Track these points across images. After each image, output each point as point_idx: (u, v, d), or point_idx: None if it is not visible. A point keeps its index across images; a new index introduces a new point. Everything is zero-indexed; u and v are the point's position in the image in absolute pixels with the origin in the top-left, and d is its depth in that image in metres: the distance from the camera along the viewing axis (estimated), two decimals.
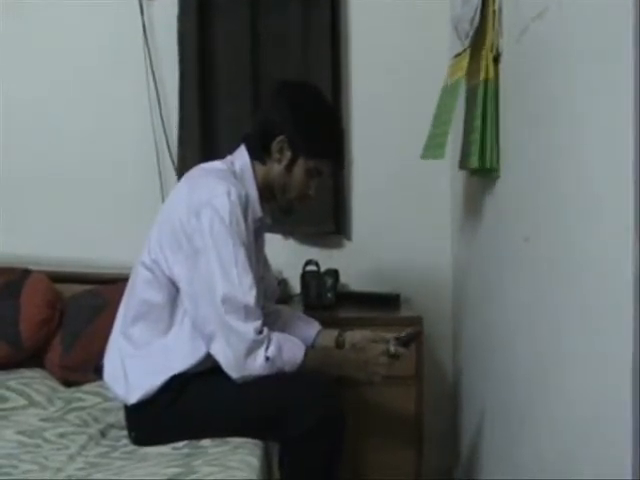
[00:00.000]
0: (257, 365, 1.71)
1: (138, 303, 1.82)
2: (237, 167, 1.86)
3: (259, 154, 1.87)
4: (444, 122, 2.02)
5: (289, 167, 1.85)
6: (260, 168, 1.87)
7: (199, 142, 2.57)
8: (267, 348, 1.71)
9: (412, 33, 2.66)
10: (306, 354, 1.78)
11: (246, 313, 1.70)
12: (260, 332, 1.71)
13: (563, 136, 1.48)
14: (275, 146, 1.83)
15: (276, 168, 1.85)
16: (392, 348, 1.85)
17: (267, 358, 1.71)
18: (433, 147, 2.12)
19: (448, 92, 2.09)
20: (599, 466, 1.30)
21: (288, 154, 1.84)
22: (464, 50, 2.01)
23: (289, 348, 1.76)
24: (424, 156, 2.21)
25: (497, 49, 1.94)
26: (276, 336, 1.74)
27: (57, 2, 2.59)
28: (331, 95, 2.52)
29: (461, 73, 1.97)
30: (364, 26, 2.67)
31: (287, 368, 1.75)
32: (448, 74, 2.20)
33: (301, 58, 2.57)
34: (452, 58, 2.18)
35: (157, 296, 1.79)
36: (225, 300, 1.69)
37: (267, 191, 1.88)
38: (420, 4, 2.64)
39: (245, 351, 1.70)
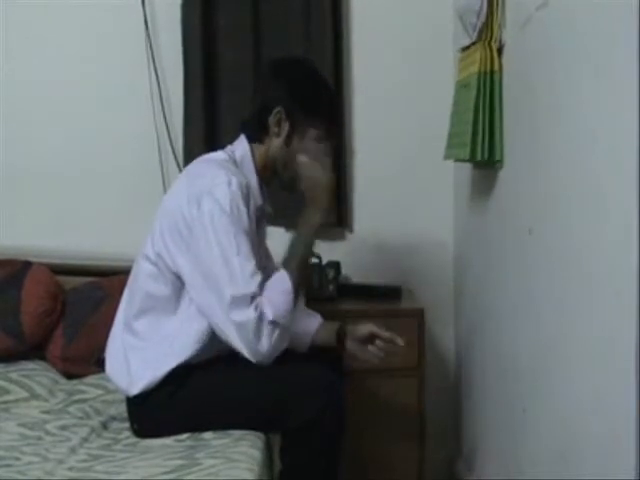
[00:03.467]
0: (268, 340, 1.68)
1: (142, 297, 1.81)
2: (237, 155, 1.86)
3: (257, 134, 1.86)
4: (464, 121, 2.00)
5: (288, 139, 1.84)
6: (259, 148, 1.87)
7: (203, 134, 2.56)
8: (265, 315, 1.68)
9: (414, 23, 2.65)
10: (287, 272, 1.74)
11: (250, 300, 1.68)
12: (255, 308, 1.67)
13: (567, 127, 1.48)
14: (272, 120, 1.83)
15: (275, 143, 1.85)
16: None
17: (272, 322, 1.68)
18: (456, 146, 2.10)
19: (463, 88, 2.07)
20: (602, 452, 1.30)
21: (286, 125, 1.83)
22: (473, 43, 1.99)
23: (275, 293, 1.71)
24: (447, 156, 2.19)
25: (500, 40, 1.93)
26: (262, 298, 1.69)
27: None
28: (333, 84, 2.51)
29: (474, 68, 1.95)
30: (366, 15, 2.66)
31: (287, 307, 1.71)
32: (459, 68, 2.18)
33: (303, 47, 2.57)
34: (460, 51, 2.16)
35: (162, 289, 1.78)
36: (229, 298, 1.68)
37: (268, 171, 1.87)
38: None
39: (253, 336, 1.67)
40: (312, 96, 1.87)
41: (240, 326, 1.67)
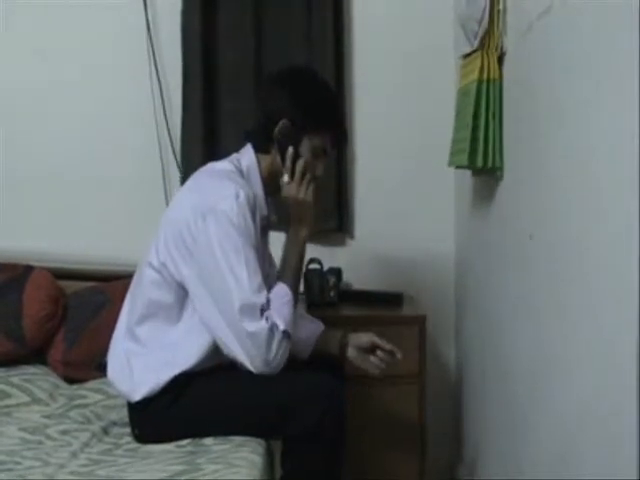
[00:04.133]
0: (278, 350, 1.70)
1: (146, 304, 1.81)
2: (243, 165, 1.86)
3: (263, 145, 1.86)
4: (464, 127, 2.01)
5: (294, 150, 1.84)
6: (265, 159, 1.87)
7: (202, 138, 2.57)
8: (277, 326, 1.70)
9: (415, 30, 2.65)
10: (286, 284, 1.78)
11: (260, 311, 1.70)
12: (267, 319, 1.70)
13: (567, 134, 1.48)
14: (278, 131, 1.82)
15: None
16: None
17: (284, 332, 1.71)
18: (457, 153, 2.11)
19: (464, 95, 2.08)
20: (603, 458, 1.30)
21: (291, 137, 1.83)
22: (474, 51, 2.00)
23: (280, 304, 1.74)
24: (450, 163, 2.20)
25: (501, 48, 1.94)
26: (271, 311, 1.72)
27: None
28: (334, 90, 2.51)
29: (473, 75, 1.96)
30: (367, 23, 2.67)
31: (292, 317, 1.75)
32: (460, 75, 2.18)
33: (304, 54, 2.58)
34: (461, 58, 2.16)
35: (166, 297, 1.79)
36: (238, 305, 1.68)
37: (274, 182, 1.87)
38: (423, 1, 2.64)
39: (265, 346, 1.69)
40: (316, 108, 1.85)
41: (252, 336, 1.68)
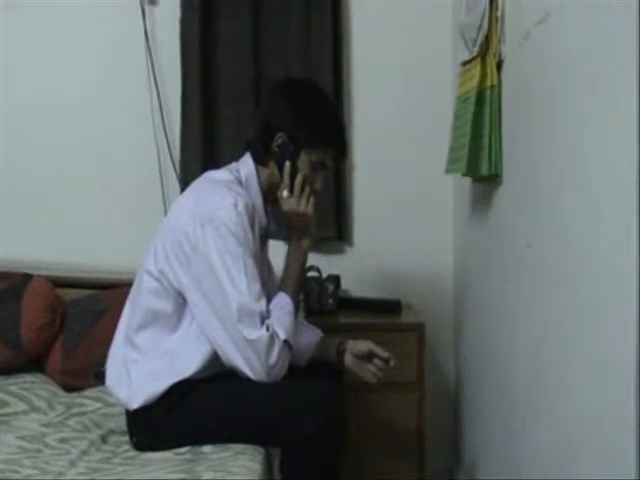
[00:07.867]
0: (278, 359, 1.70)
1: (145, 312, 1.81)
2: (242, 175, 1.86)
3: (262, 157, 1.86)
4: (463, 134, 2.01)
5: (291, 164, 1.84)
6: (264, 171, 1.87)
7: (201, 146, 2.57)
8: (278, 335, 1.71)
9: (414, 38, 2.66)
10: (287, 294, 1.80)
11: (260, 319, 1.70)
12: (267, 328, 1.71)
13: (565, 142, 1.49)
14: (275, 146, 1.82)
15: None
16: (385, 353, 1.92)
17: (285, 341, 1.71)
18: (455, 161, 2.10)
19: (463, 103, 2.08)
20: (602, 466, 1.30)
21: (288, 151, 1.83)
22: (473, 58, 2.01)
23: (282, 314, 1.75)
24: (448, 170, 2.20)
25: (499, 55, 1.94)
26: (271, 320, 1.73)
27: (58, 6, 2.59)
28: (333, 97, 2.52)
29: (473, 82, 1.96)
30: (365, 30, 2.68)
31: (293, 328, 1.76)
32: (459, 83, 2.19)
33: (303, 62, 2.58)
34: (460, 66, 2.17)
35: (165, 305, 1.78)
36: (238, 312, 1.69)
37: (273, 194, 1.87)
38: (422, 9, 2.65)
39: (265, 354, 1.69)
40: (315, 122, 1.83)
41: (252, 344, 1.68)
